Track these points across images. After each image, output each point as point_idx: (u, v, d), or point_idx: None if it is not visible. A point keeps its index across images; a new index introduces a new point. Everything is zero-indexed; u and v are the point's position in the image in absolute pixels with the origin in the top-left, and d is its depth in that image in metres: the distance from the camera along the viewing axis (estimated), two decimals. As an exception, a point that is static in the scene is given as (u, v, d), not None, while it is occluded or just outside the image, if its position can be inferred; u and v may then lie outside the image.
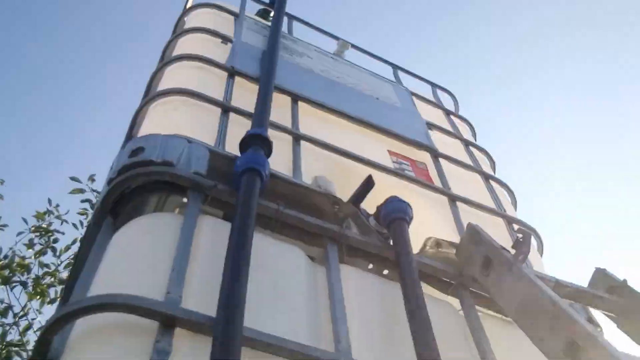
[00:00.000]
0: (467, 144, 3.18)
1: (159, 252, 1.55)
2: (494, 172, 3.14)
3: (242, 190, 1.67)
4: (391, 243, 1.99)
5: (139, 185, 1.78)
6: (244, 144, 1.88)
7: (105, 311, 1.33)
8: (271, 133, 2.14)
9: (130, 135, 2.36)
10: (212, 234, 1.66)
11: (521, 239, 1.94)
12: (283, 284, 1.67)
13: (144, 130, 2.15)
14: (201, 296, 1.45)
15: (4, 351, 5.43)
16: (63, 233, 6.24)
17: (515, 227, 2.61)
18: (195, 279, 1.51)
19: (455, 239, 2.22)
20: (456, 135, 3.25)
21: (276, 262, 1.73)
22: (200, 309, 1.40)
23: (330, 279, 1.75)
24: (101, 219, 1.77)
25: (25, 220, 6.17)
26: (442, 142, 3.00)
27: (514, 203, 3.02)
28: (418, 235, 2.25)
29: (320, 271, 1.83)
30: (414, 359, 1.57)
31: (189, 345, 1.35)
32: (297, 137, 2.32)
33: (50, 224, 6.24)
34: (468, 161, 2.97)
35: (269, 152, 1.91)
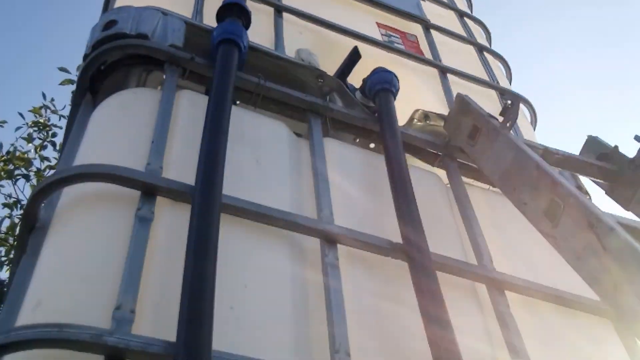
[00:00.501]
0: (461, 14, 3.05)
1: (138, 126, 1.53)
2: (490, 45, 3.04)
3: (218, 61, 1.61)
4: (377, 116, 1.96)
5: (116, 60, 1.73)
6: (221, 15, 1.80)
7: (87, 181, 1.34)
8: (251, 5, 2.05)
9: (106, 7, 2.27)
10: (192, 108, 1.63)
11: (510, 105, 1.90)
12: (265, 156, 1.66)
13: (119, 2, 2.06)
14: (181, 167, 1.45)
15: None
16: (61, 128, 6.23)
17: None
18: (175, 152, 1.50)
19: (446, 112, 2.18)
20: (449, 5, 3.11)
21: (258, 135, 1.72)
22: (180, 179, 1.40)
23: (313, 151, 1.74)
24: (80, 97, 1.74)
25: (22, 115, 6.14)
26: (435, 14, 2.88)
27: (509, 77, 2.94)
28: (407, 109, 2.22)
29: (304, 145, 1.82)
30: (398, 230, 1.60)
31: (170, 213, 1.36)
32: (279, 9, 2.22)
33: (48, 119, 6.23)
34: (462, 33, 2.86)
35: (247, 24, 1.83)
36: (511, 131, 1.89)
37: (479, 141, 1.90)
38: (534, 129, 2.64)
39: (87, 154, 1.49)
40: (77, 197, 1.37)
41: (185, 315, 1.08)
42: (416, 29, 2.68)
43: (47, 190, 1.33)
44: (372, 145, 2.05)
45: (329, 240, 1.50)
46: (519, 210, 1.66)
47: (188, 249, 1.21)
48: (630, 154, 2.07)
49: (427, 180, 1.95)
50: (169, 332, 1.10)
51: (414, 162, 2.06)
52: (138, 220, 1.30)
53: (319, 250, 1.49)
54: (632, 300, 1.25)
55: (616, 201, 2.06)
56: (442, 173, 2.08)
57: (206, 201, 1.29)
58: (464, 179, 2.05)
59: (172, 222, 1.35)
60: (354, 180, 1.79)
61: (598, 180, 2.13)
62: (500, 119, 1.91)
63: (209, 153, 1.38)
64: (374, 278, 1.54)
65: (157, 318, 1.17)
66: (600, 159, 2.14)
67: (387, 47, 2.41)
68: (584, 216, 1.41)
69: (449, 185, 2.01)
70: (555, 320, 1.68)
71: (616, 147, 2.11)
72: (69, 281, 1.20)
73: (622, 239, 1.30)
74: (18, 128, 6.07)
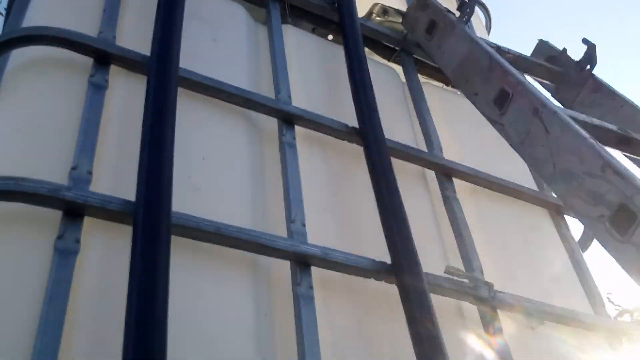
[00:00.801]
0: None
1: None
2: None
3: None
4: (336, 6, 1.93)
5: None
6: None
7: (36, 43, 1.27)
8: None
9: None
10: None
11: (467, 1, 1.91)
12: (223, 35, 1.63)
13: None
14: (135, 39, 1.41)
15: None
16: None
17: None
18: (128, 23, 1.45)
19: (404, 9, 2.17)
20: None
21: (216, 15, 1.67)
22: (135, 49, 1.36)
23: (271, 35, 1.72)
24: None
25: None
26: None
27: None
28: (365, 4, 2.20)
29: (262, 30, 1.79)
30: (354, 117, 1.61)
31: (124, 82, 1.34)
32: None
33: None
34: None
35: None
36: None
37: (436, 35, 1.92)
38: (488, 34, 2.67)
39: (34, 21, 1.42)
40: (26, 62, 1.31)
41: (144, 174, 1.09)
42: None
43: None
44: (330, 37, 2.04)
45: (286, 120, 1.52)
46: (470, 101, 1.71)
47: (145, 118, 1.19)
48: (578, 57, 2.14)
49: (384, 74, 1.97)
50: (126, 194, 1.12)
51: (371, 57, 2.06)
52: (92, 86, 1.27)
53: (276, 130, 1.51)
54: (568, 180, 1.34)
55: (560, 102, 2.14)
56: (398, 70, 2.10)
57: (163, 72, 1.27)
58: (420, 77, 2.08)
59: (127, 92, 1.32)
60: (312, 67, 1.79)
61: (545, 82, 2.20)
62: (457, 14, 1.92)
63: (165, 24, 1.35)
64: (330, 160, 1.58)
65: (115, 180, 1.18)
66: (548, 61, 2.20)
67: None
68: (531, 103, 1.47)
69: (404, 82, 2.04)
70: (498, 207, 1.78)
71: (564, 49, 2.17)
72: (22, 142, 1.18)
73: (564, 122, 1.37)
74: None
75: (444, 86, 2.20)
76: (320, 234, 1.36)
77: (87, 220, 1.08)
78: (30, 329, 0.93)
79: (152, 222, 1.03)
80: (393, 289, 1.29)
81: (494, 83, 1.60)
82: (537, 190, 1.88)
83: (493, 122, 1.59)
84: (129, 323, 0.91)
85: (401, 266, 1.28)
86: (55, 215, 1.06)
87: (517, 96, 1.52)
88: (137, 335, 0.90)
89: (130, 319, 0.91)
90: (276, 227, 1.33)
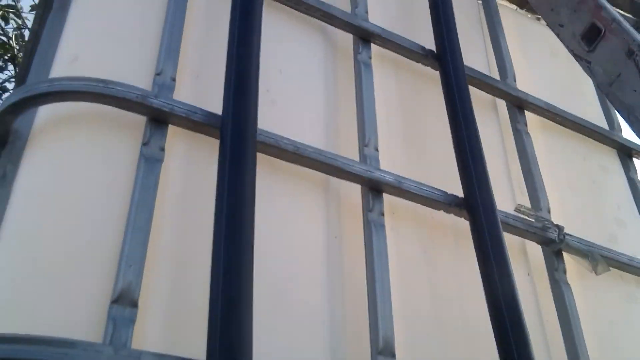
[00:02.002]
0: None
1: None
2: None
3: None
4: None
5: None
6: None
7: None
8: None
9: None
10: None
11: None
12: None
13: None
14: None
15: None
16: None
17: None
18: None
19: None
20: None
21: None
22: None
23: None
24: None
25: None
26: None
27: None
28: None
29: None
30: (428, 37, 1.54)
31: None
32: None
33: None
34: None
35: None
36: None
37: (521, -45, 1.79)
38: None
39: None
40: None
41: (232, 89, 1.06)
42: None
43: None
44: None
45: (363, 37, 1.45)
46: (554, 31, 1.61)
47: (232, 28, 1.15)
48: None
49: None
50: (208, 104, 1.09)
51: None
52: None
53: (351, 48, 1.45)
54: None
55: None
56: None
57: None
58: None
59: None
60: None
61: (627, 15, 2.07)
62: None
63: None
64: (404, 82, 1.53)
65: (197, 89, 1.15)
66: (634, -7, 2.05)
67: None
68: (625, 43, 1.38)
69: (480, 2, 1.93)
70: (568, 144, 1.73)
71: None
72: (107, 40, 1.14)
73: (665, 68, 1.29)
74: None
75: (518, 9, 2.08)
76: (391, 159, 1.33)
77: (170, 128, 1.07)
78: (118, 231, 0.94)
79: (239, 138, 1.02)
80: (460, 222, 1.29)
81: (583, 17, 1.50)
82: (608, 129, 1.82)
83: (578, 58, 1.51)
84: (218, 234, 0.91)
85: (475, 201, 1.25)
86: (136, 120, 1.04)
87: (610, 34, 1.43)
88: (226, 244, 0.90)
89: (220, 232, 0.91)
90: (348, 148, 1.29)
